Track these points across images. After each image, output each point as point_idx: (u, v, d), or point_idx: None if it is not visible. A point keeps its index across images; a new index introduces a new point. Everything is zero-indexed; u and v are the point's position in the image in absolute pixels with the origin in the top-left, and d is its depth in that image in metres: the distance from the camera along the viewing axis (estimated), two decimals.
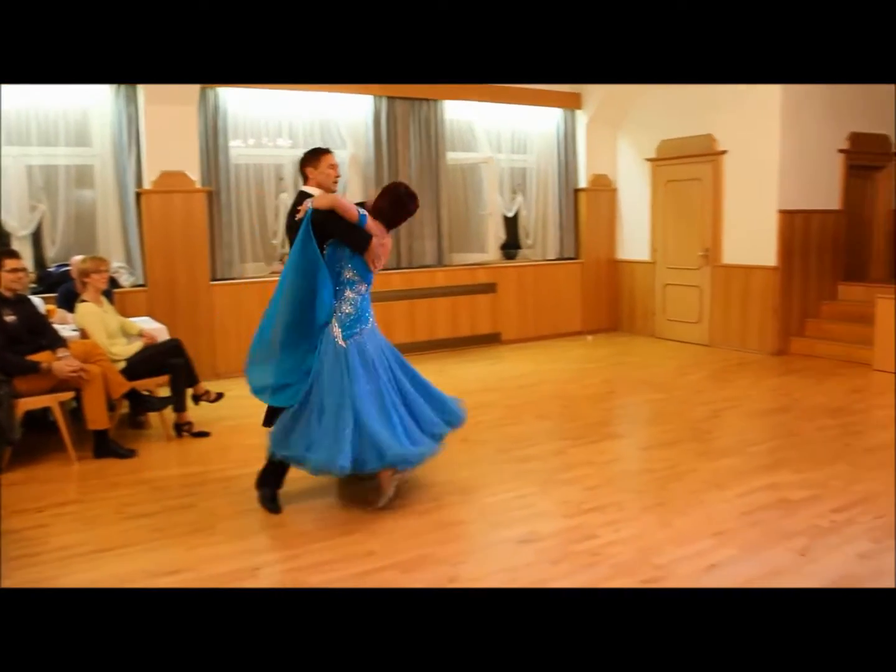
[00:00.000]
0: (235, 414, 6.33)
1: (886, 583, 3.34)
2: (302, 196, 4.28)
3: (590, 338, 9.95)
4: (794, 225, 8.47)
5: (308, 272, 4.02)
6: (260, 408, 6.16)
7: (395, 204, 4.21)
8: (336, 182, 4.41)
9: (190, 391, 5.88)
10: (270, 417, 4.28)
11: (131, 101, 7.29)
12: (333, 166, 4.37)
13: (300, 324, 4.11)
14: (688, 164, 9.23)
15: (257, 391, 4.23)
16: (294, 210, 4.15)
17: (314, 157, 4.37)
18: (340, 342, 4.12)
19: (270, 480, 4.30)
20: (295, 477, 4.38)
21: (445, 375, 7.52)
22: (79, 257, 5.96)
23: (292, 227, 4.11)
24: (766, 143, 8.32)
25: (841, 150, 8.74)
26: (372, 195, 4.48)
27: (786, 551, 3.67)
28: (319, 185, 4.33)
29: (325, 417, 4.01)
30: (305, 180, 4.37)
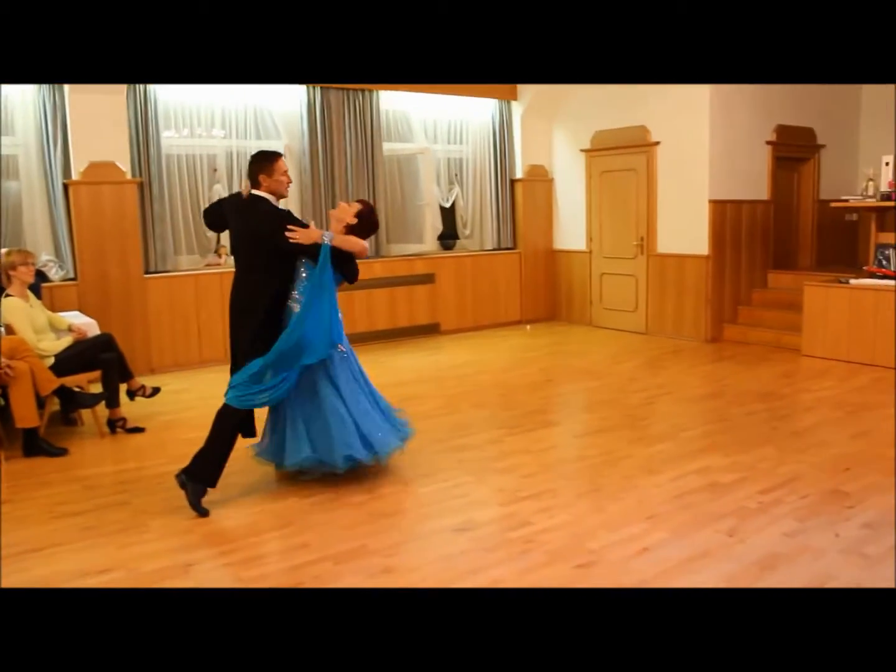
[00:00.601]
0: (171, 409, 6.25)
1: (808, 560, 3.45)
2: (258, 200, 4.29)
3: (528, 327, 10.04)
4: (725, 215, 8.66)
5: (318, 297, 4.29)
6: (198, 402, 6.12)
7: (369, 231, 4.63)
8: (288, 188, 4.43)
9: (124, 386, 5.78)
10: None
11: (56, 88, 7.10)
12: (286, 173, 4.37)
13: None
14: (622, 155, 9.36)
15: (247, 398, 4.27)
16: (282, 225, 4.16)
17: (267, 163, 4.31)
18: (341, 348, 4.45)
19: (206, 476, 4.20)
20: (227, 472, 4.33)
21: (383, 366, 7.51)
22: (3, 250, 5.79)
23: (274, 235, 4.18)
24: (697, 135, 8.49)
25: (768, 142, 8.96)
26: (345, 210, 4.48)
27: (715, 533, 3.77)
28: (272, 192, 4.33)
29: (363, 417, 4.39)
30: (257, 185, 4.33)
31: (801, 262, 9.70)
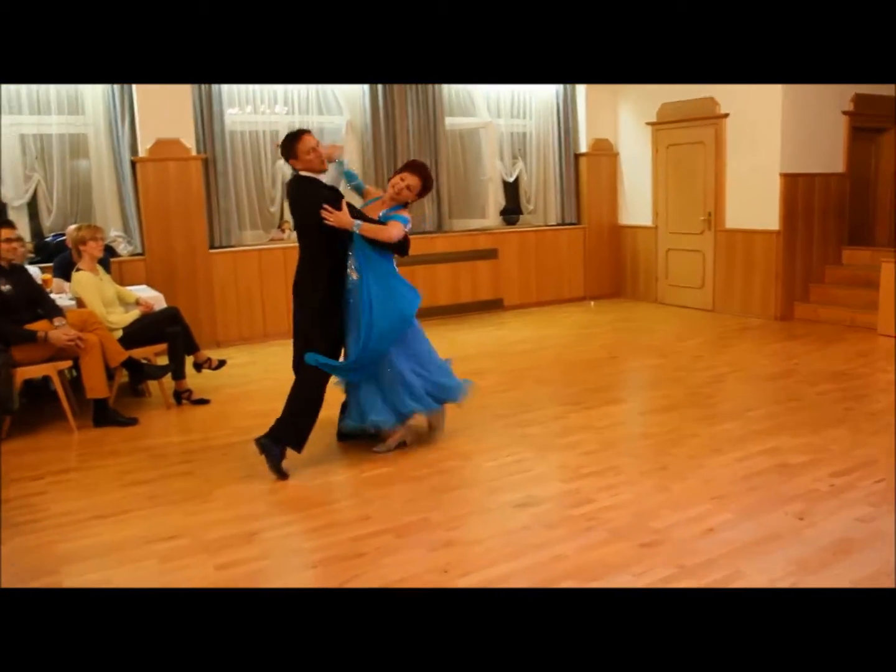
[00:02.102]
0: (236, 382, 6.33)
1: (882, 547, 3.33)
2: (300, 181, 4.29)
3: (592, 303, 9.91)
4: (797, 188, 8.38)
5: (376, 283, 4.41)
6: (263, 375, 6.20)
7: (426, 188, 4.60)
8: (324, 161, 4.29)
9: (191, 359, 5.87)
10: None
11: None
12: (313, 150, 4.21)
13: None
14: (689, 128, 9.11)
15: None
16: (319, 206, 4.13)
17: (291, 147, 4.23)
18: None
19: (292, 439, 4.27)
20: None
21: (446, 342, 7.48)
22: (73, 226, 5.92)
23: (314, 217, 4.17)
24: (769, 106, 8.20)
25: (845, 112, 8.61)
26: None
27: (784, 515, 3.65)
28: (308, 170, 4.28)
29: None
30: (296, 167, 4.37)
31: (878, 238, 9.32)
